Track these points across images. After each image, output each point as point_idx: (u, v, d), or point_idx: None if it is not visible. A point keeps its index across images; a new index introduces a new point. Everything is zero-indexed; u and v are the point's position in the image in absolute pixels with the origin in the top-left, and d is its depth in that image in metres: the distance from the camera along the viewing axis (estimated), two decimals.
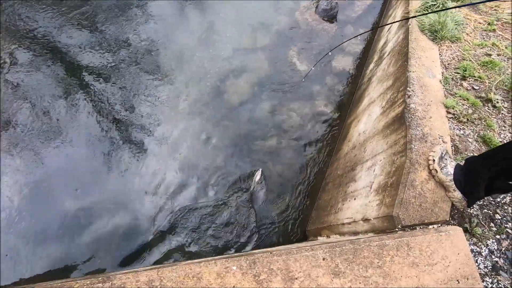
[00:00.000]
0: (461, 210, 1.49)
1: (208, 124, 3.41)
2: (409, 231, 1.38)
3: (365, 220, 1.69)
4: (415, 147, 1.61)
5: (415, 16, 2.53)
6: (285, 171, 3.23)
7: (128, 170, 2.97)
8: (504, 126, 1.91)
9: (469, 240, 1.42)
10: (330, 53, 3.80)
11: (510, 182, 1.28)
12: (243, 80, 3.86)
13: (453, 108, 1.91)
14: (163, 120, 3.32)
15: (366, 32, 4.19)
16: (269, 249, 1.87)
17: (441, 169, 1.49)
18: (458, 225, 1.46)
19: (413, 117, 1.79)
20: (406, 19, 2.80)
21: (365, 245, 1.24)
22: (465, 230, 1.44)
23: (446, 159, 1.52)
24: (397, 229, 1.42)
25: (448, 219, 1.44)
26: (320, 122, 3.61)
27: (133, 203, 2.76)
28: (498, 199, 1.57)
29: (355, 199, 1.98)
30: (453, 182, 1.45)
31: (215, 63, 3.91)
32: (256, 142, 3.40)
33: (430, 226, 1.41)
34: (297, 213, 2.97)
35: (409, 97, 1.92)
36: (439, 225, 1.42)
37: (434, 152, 1.56)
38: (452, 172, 1.47)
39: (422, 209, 1.43)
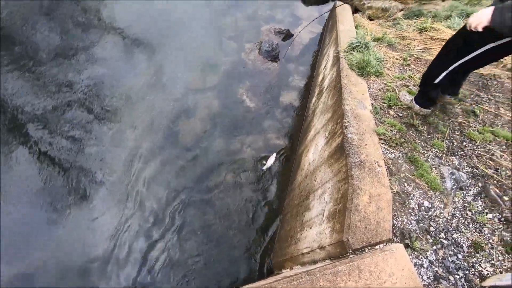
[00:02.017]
0: (421, 115, 2.44)
1: (164, 167, 3.36)
2: (358, 254, 1.48)
3: (321, 248, 1.76)
4: (355, 174, 1.77)
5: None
6: (245, 205, 3.25)
7: (76, 224, 2.75)
8: (426, 146, 2.20)
9: (411, 255, 1.57)
10: (313, 21, 4.35)
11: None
12: (196, 120, 3.93)
13: (383, 135, 2.16)
14: (114, 166, 3.20)
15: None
16: None
17: (402, 98, 2.56)
18: (400, 242, 1.60)
19: (351, 146, 1.98)
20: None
21: (320, 274, 1.30)
22: (407, 246, 1.58)
23: (404, 93, 2.60)
24: (348, 254, 1.51)
25: (391, 237, 1.57)
26: (273, 154, 3.76)
27: (82, 263, 2.53)
28: (430, 212, 1.78)
29: (311, 228, 2.07)
30: (411, 101, 2.48)
31: (167, 104, 3.94)
32: (213, 179, 3.40)
33: (377, 246, 1.53)
34: (261, 248, 2.97)
35: (346, 127, 2.14)
36: (384, 244, 1.54)
37: (398, 93, 2.62)
38: (408, 98, 2.53)
39: (368, 231, 1.55)
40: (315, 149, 2.73)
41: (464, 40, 1.91)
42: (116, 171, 3.17)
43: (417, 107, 2.43)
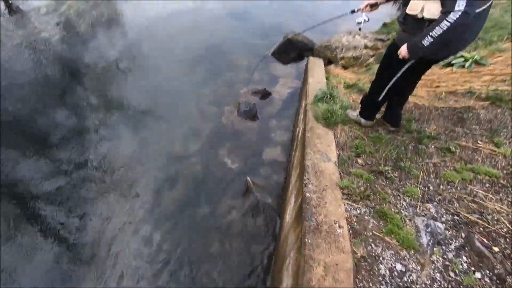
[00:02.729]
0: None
1: (147, 240, 3.23)
2: None
3: None
4: (309, 241, 1.57)
5: None
6: (233, 278, 2.96)
7: None
8: (398, 195, 1.99)
9: None
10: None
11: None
12: (179, 187, 3.86)
13: (347, 188, 1.99)
14: (102, 243, 3.16)
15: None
16: None
17: (349, 115, 2.91)
18: None
19: (308, 206, 1.81)
20: None
21: None
22: None
23: (349, 111, 2.95)
24: None
25: None
26: (261, 215, 3.55)
27: None
28: (405, 278, 1.50)
29: None
30: (357, 116, 2.82)
31: (149, 174, 3.93)
32: (199, 250, 3.19)
33: None
34: None
35: (305, 185, 1.99)
36: None
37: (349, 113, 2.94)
38: (354, 114, 2.87)
39: None
40: (290, 209, 2.54)
41: (389, 63, 2.26)
42: (103, 248, 3.11)
43: (362, 120, 2.78)
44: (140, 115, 4.80)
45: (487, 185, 1.99)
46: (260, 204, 3.49)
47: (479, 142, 2.39)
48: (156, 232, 3.32)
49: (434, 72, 3.65)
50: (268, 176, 4.04)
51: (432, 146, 2.40)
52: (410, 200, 1.95)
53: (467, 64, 3.45)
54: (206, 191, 3.80)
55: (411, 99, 3.25)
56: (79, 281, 2.85)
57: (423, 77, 3.67)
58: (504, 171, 2.08)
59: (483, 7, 1.67)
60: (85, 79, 5.49)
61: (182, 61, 5.83)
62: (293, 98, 5.04)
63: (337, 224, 1.69)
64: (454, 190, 1.99)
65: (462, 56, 3.55)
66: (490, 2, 1.68)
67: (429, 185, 2.05)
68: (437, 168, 2.18)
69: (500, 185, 1.98)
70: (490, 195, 1.91)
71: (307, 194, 1.90)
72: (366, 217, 1.81)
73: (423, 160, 2.27)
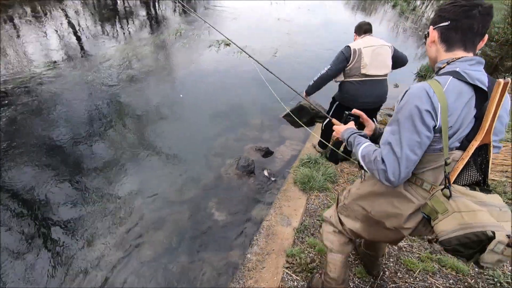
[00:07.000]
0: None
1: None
2: None
3: None
4: None
5: None
6: None
7: None
8: (349, 274, 1.84)
9: None
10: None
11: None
12: (162, 232, 3.86)
13: (293, 257, 1.90)
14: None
15: None
16: None
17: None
18: None
19: (242, 268, 1.74)
20: None
21: None
22: None
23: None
24: None
25: None
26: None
27: None
28: None
29: None
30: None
31: (140, 214, 4.01)
32: None
33: None
34: None
35: (251, 247, 1.94)
36: None
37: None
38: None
39: None
40: None
41: None
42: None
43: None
44: (154, 156, 5.08)
45: (451, 281, 1.79)
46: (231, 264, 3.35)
47: None
48: (125, 275, 3.27)
49: None
50: (251, 234, 3.91)
51: None
52: (359, 282, 1.79)
53: None
54: (187, 240, 3.75)
55: None
56: None
57: None
58: (476, 270, 1.86)
59: (378, 78, 2.67)
60: (125, 118, 5.99)
61: (205, 114, 6.29)
62: (294, 160, 5.09)
63: None
64: (412, 279, 1.80)
65: None
66: (385, 76, 2.75)
67: (386, 270, 1.88)
68: (401, 253, 2.02)
69: (466, 284, 1.77)
70: None
71: (248, 255, 1.84)
72: None
73: None
